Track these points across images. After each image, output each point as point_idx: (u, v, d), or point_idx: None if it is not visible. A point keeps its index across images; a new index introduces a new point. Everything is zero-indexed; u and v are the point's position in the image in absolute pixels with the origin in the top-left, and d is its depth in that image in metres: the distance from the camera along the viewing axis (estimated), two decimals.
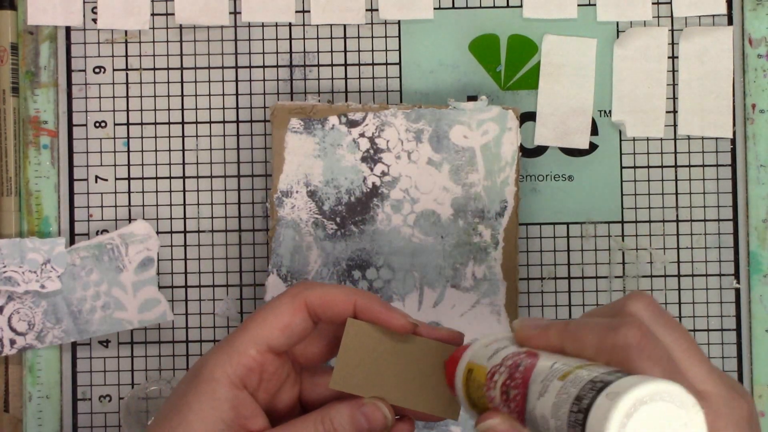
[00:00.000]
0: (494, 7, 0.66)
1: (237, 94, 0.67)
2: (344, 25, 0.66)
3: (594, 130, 0.66)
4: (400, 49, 0.66)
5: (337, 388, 0.48)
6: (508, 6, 0.66)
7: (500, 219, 0.63)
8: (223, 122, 0.66)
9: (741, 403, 0.40)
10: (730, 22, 0.66)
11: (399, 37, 0.66)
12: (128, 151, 0.66)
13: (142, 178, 0.66)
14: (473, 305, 0.63)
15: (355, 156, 0.63)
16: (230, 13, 0.66)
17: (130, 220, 0.66)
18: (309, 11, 0.66)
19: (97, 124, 0.66)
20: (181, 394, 0.47)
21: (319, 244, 0.63)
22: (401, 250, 0.63)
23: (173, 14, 0.66)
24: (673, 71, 0.66)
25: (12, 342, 0.64)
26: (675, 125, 0.66)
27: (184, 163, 0.66)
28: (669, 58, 0.66)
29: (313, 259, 0.63)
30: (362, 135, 0.63)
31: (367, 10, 0.66)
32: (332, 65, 0.66)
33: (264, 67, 0.67)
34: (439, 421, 0.50)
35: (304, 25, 0.67)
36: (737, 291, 0.66)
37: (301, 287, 0.48)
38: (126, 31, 0.67)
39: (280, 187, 0.63)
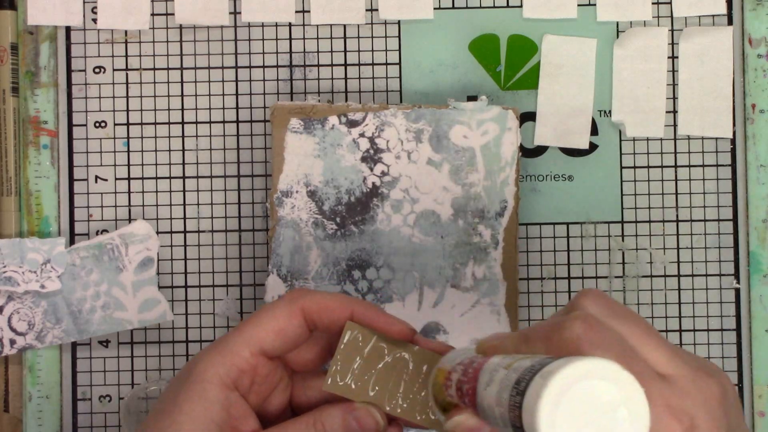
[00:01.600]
0: (494, 7, 0.66)
1: (237, 94, 0.67)
2: (344, 25, 0.66)
3: (594, 130, 0.66)
4: (400, 49, 0.66)
5: (331, 390, 0.47)
6: (508, 6, 0.66)
7: (500, 219, 0.63)
8: (223, 122, 0.66)
9: (709, 383, 0.39)
10: (730, 22, 0.66)
11: (399, 37, 0.66)
12: (128, 151, 0.66)
13: (142, 178, 0.66)
14: (473, 305, 0.63)
15: (355, 156, 0.63)
16: (230, 13, 0.66)
17: (130, 220, 0.66)
18: (309, 11, 0.66)
19: (97, 124, 0.66)
20: (172, 394, 0.46)
21: (319, 244, 0.63)
22: (401, 250, 0.63)
23: (173, 14, 0.66)
24: (673, 71, 0.66)
25: (12, 342, 0.64)
26: (675, 125, 0.66)
27: (184, 163, 0.66)
28: (669, 58, 0.66)
29: (313, 259, 0.63)
30: (362, 135, 0.63)
31: (367, 10, 0.66)
32: (332, 65, 0.66)
33: (264, 67, 0.67)
34: (426, 430, 0.50)
35: (304, 25, 0.67)
36: (737, 291, 0.66)
37: (298, 293, 0.48)
38: (126, 31, 0.67)
39: (280, 187, 0.63)
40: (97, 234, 0.66)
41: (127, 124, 0.66)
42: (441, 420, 0.45)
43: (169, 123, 0.66)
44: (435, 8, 0.66)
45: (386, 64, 0.66)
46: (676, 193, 0.66)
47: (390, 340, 0.49)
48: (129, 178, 0.66)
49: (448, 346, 0.49)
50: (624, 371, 0.34)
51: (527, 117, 0.66)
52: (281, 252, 0.63)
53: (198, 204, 0.66)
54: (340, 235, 0.63)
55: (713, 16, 0.66)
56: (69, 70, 0.66)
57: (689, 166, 0.66)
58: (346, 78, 0.66)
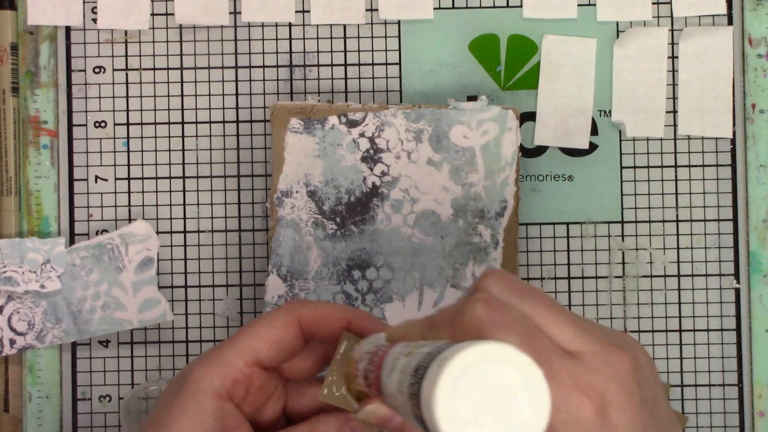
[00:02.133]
0: (494, 7, 0.66)
1: (237, 94, 0.67)
2: (344, 25, 0.66)
3: (594, 130, 0.66)
4: (400, 49, 0.66)
5: (327, 401, 0.47)
6: (508, 6, 0.66)
7: (500, 219, 0.63)
8: (223, 122, 0.66)
9: (621, 356, 0.38)
10: (730, 22, 0.66)
11: (399, 37, 0.66)
12: (128, 151, 0.66)
13: (142, 178, 0.66)
14: None
15: (355, 156, 0.63)
16: (230, 13, 0.66)
17: (130, 220, 0.66)
18: (309, 11, 0.66)
19: (97, 124, 0.66)
20: (166, 405, 0.46)
21: (319, 244, 0.63)
22: (401, 250, 0.63)
23: (173, 14, 0.66)
24: (673, 71, 0.66)
25: (12, 342, 0.64)
26: (675, 125, 0.66)
27: (184, 163, 0.66)
28: (669, 58, 0.66)
29: (313, 259, 0.63)
30: (362, 135, 0.63)
31: (367, 10, 0.66)
32: (332, 65, 0.66)
33: (264, 67, 0.67)
34: None
35: (304, 25, 0.67)
36: (737, 291, 0.66)
37: (295, 304, 0.47)
38: (126, 31, 0.67)
39: (280, 187, 0.63)
40: (97, 234, 0.66)
41: (127, 124, 0.66)
42: (354, 409, 0.44)
43: (169, 123, 0.66)
44: (435, 8, 0.66)
45: (386, 64, 0.66)
46: (676, 193, 0.66)
47: None
48: (129, 178, 0.66)
49: None
50: (521, 354, 0.33)
51: (527, 117, 0.66)
52: (281, 252, 0.63)
53: (198, 204, 0.66)
54: (340, 235, 0.63)
55: (713, 16, 0.66)
56: (69, 70, 0.66)
57: (689, 166, 0.66)
58: (346, 78, 0.66)
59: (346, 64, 0.66)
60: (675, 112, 0.66)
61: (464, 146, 0.63)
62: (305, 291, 0.63)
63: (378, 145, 0.63)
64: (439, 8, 0.66)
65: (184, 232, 0.66)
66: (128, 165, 0.66)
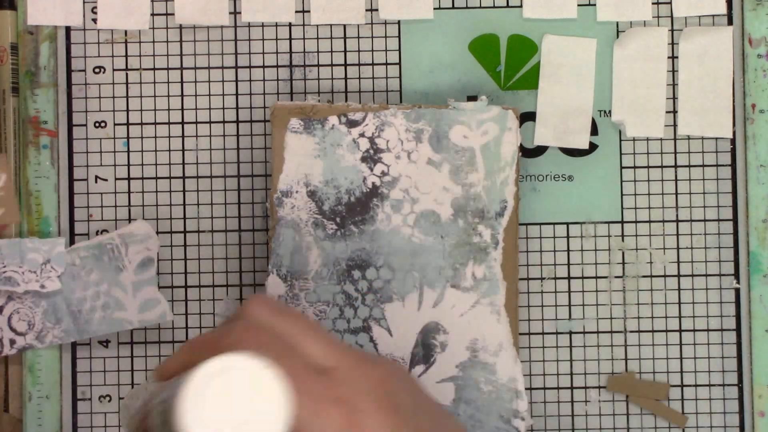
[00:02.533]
0: (494, 7, 0.66)
1: (237, 94, 0.67)
2: (344, 25, 0.66)
3: (594, 130, 0.66)
4: (400, 49, 0.66)
5: None
6: (508, 6, 0.66)
7: (500, 219, 0.63)
8: (223, 122, 0.66)
9: (372, 368, 0.42)
10: (730, 22, 0.66)
11: (399, 37, 0.66)
12: (128, 151, 0.66)
13: (142, 178, 0.66)
14: (473, 305, 0.63)
15: (355, 156, 0.63)
16: (230, 13, 0.66)
17: (130, 220, 0.66)
18: (309, 11, 0.66)
19: (97, 124, 0.66)
20: None
21: (319, 244, 0.63)
22: (401, 250, 0.63)
23: (173, 14, 0.66)
24: (673, 71, 0.66)
25: (12, 342, 0.64)
26: (675, 125, 0.66)
27: (184, 163, 0.66)
28: (669, 58, 0.66)
29: (312, 259, 0.63)
30: (362, 135, 0.63)
31: (367, 10, 0.66)
32: (332, 65, 0.66)
33: (264, 67, 0.67)
34: None
35: (304, 25, 0.67)
36: (737, 291, 0.66)
37: None
38: (126, 31, 0.67)
39: (279, 187, 0.63)
40: (97, 234, 0.66)
41: (127, 124, 0.66)
42: None
43: (169, 123, 0.66)
44: (435, 8, 0.66)
45: (386, 64, 0.66)
46: (676, 193, 0.66)
47: None
48: (129, 178, 0.66)
49: None
50: (255, 360, 0.36)
51: (527, 117, 0.66)
52: (281, 252, 0.63)
53: (198, 204, 0.66)
54: (340, 235, 0.63)
55: (713, 16, 0.66)
56: (69, 70, 0.66)
57: (689, 166, 0.66)
58: (346, 78, 0.66)
59: (346, 64, 0.66)
60: (675, 112, 0.66)
61: (464, 146, 0.63)
62: (305, 291, 0.63)
63: (378, 145, 0.63)
64: (439, 8, 0.66)
65: (184, 232, 0.66)
66: (128, 165, 0.66)
